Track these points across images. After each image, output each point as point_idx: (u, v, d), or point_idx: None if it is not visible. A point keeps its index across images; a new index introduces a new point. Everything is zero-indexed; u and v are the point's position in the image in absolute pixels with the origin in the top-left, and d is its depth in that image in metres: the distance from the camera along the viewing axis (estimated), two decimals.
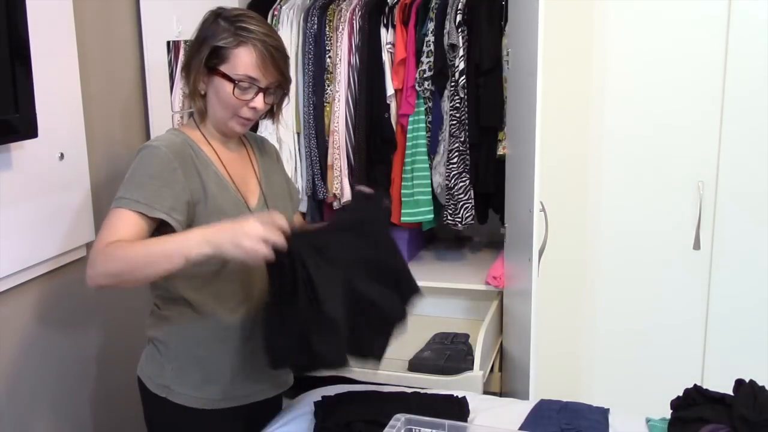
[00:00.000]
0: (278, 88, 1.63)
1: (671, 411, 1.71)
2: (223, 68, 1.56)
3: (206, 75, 1.58)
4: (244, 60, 1.55)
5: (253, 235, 1.36)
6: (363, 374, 2.22)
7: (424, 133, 2.58)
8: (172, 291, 1.61)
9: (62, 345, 1.90)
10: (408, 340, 2.29)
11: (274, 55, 1.57)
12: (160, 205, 1.49)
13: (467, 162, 2.54)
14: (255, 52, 1.55)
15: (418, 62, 2.55)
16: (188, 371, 1.62)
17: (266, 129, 2.72)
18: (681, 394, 1.73)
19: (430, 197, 2.60)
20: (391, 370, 2.24)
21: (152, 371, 1.65)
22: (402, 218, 2.62)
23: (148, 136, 2.18)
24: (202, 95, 1.61)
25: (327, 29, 2.62)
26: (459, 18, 2.48)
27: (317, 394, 1.87)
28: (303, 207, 2.76)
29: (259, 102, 1.59)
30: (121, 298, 2.12)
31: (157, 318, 1.66)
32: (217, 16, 1.60)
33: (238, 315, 1.63)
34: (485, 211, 2.69)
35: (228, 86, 1.56)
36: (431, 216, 2.62)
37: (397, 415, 1.47)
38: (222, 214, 1.55)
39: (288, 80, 1.65)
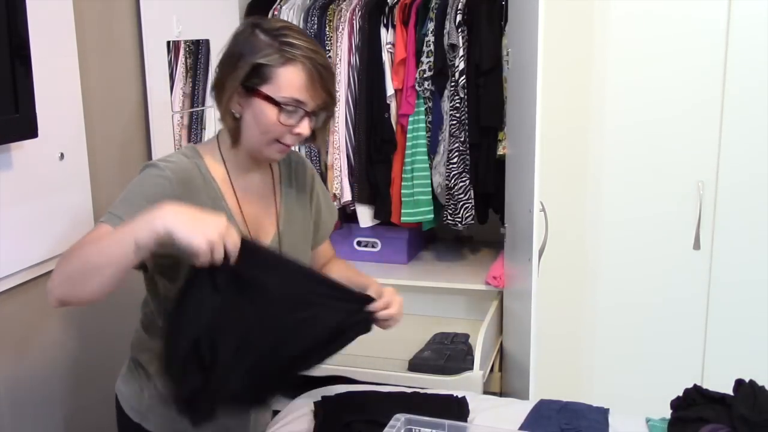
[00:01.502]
0: (323, 111, 1.43)
1: (671, 411, 1.71)
2: (266, 89, 1.36)
3: (243, 95, 1.39)
4: (290, 80, 1.36)
5: (215, 228, 1.19)
6: (363, 374, 2.22)
7: (424, 133, 2.58)
8: (158, 315, 1.50)
9: (62, 345, 1.90)
10: (408, 340, 2.29)
11: (323, 75, 1.38)
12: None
13: (467, 162, 2.54)
14: (303, 72, 1.36)
15: (418, 62, 2.55)
16: (162, 401, 1.49)
17: None
18: (681, 394, 1.73)
19: (430, 197, 2.60)
20: (391, 370, 2.24)
21: (129, 393, 1.55)
22: (402, 218, 2.63)
23: (148, 136, 2.18)
24: (235, 117, 1.42)
25: (327, 29, 2.63)
26: (459, 18, 2.48)
27: (317, 394, 1.87)
28: None
29: (304, 127, 1.40)
30: (121, 299, 2.12)
31: (141, 339, 1.56)
32: (254, 27, 1.40)
33: None
34: (485, 211, 2.69)
35: (271, 110, 1.37)
36: (431, 216, 2.62)
37: (397, 415, 1.47)
38: None
39: (335, 102, 1.46)
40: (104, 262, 1.24)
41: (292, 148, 1.50)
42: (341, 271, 1.66)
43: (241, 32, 1.42)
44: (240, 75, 1.37)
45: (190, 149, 1.48)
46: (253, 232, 1.49)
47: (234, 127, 1.42)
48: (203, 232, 1.18)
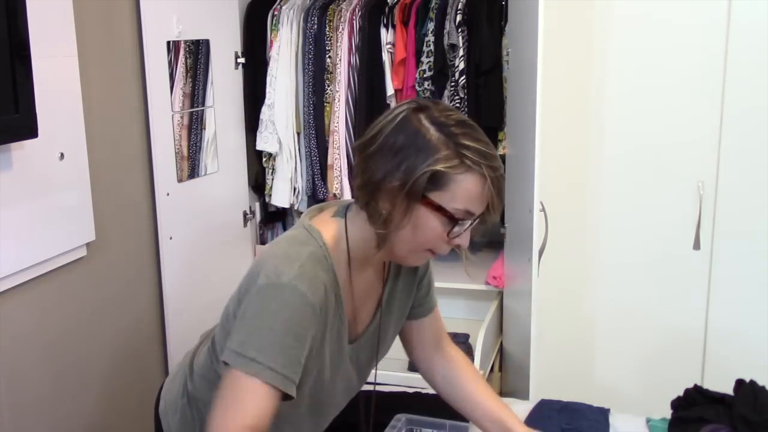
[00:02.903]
0: (478, 220, 1.23)
1: (671, 411, 1.71)
2: (437, 197, 1.17)
3: (404, 198, 1.17)
4: (469, 191, 1.17)
5: None
6: None
7: None
8: None
9: (62, 345, 1.89)
10: None
11: (501, 186, 1.20)
12: (296, 377, 1.17)
13: None
14: (483, 183, 1.17)
15: (418, 62, 2.55)
16: None
17: (266, 129, 2.72)
18: (681, 394, 1.73)
19: None
20: (391, 370, 2.24)
21: (181, 429, 1.42)
22: None
23: (148, 136, 2.18)
24: (383, 217, 1.20)
25: (327, 29, 2.63)
26: (459, 18, 2.48)
27: None
28: (303, 207, 2.77)
29: (466, 239, 1.22)
30: (122, 299, 2.12)
31: (212, 392, 1.24)
32: (419, 112, 1.20)
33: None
34: None
35: (439, 221, 1.19)
36: None
37: (398, 415, 1.47)
38: (330, 350, 1.28)
39: (498, 213, 1.24)
40: None
41: None
42: (481, 391, 1.50)
43: (406, 118, 1.20)
44: (409, 178, 1.16)
45: (314, 243, 1.24)
46: (350, 322, 1.34)
47: (383, 230, 1.21)
48: None
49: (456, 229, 1.20)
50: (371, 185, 1.20)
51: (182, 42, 2.29)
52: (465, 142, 1.18)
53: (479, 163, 1.17)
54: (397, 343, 1.59)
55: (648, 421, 1.72)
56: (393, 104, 2.61)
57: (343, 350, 1.32)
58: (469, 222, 1.21)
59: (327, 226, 1.28)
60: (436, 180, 1.16)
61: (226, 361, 1.17)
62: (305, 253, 1.20)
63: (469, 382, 1.51)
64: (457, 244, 1.23)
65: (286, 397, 1.17)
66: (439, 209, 1.18)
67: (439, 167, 1.15)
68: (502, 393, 2.43)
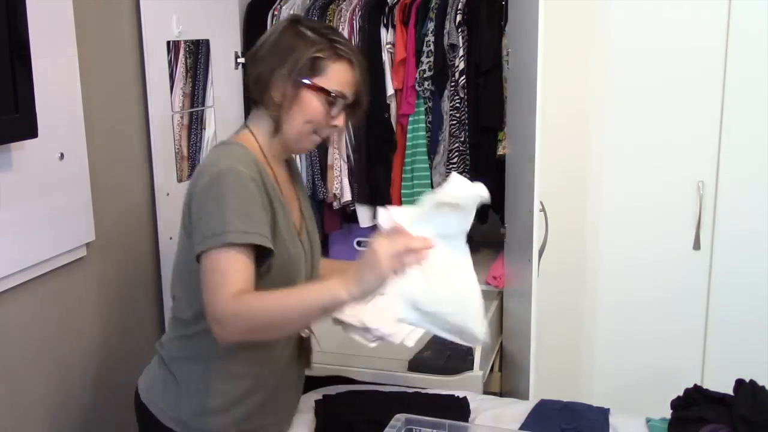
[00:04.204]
0: (351, 108, 1.52)
1: (671, 411, 1.71)
2: (318, 81, 1.45)
3: (291, 86, 1.45)
4: (342, 75, 1.47)
5: (388, 258, 1.27)
6: (363, 374, 2.22)
7: (424, 133, 2.58)
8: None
9: (62, 345, 1.89)
10: None
11: (365, 73, 1.51)
12: (267, 232, 1.38)
13: (467, 162, 2.54)
14: (352, 69, 1.48)
15: (418, 62, 2.55)
16: (209, 408, 1.51)
17: None
18: (681, 394, 1.73)
19: None
20: (391, 370, 2.24)
21: (166, 403, 1.55)
22: None
23: (148, 136, 2.18)
24: (276, 107, 1.47)
25: None
26: (459, 18, 2.48)
27: (318, 393, 1.87)
28: None
29: (341, 120, 1.50)
30: (122, 299, 2.12)
31: (184, 345, 1.53)
32: (296, 24, 1.49)
33: (277, 347, 1.56)
34: (485, 211, 2.69)
35: (320, 100, 1.46)
36: None
37: (398, 415, 1.47)
38: (284, 245, 1.46)
39: (366, 103, 1.55)
40: (290, 328, 1.44)
41: None
42: (331, 264, 1.76)
43: (284, 29, 1.48)
44: (293, 66, 1.44)
45: (238, 146, 1.47)
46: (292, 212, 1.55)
47: (278, 116, 1.47)
48: (382, 272, 1.27)
49: (334, 109, 1.47)
50: (263, 80, 1.47)
51: (182, 42, 2.29)
52: (336, 38, 1.48)
53: (348, 53, 1.47)
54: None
55: (648, 421, 1.72)
56: (393, 104, 2.61)
57: (292, 231, 1.51)
58: (343, 102, 1.48)
59: (237, 137, 1.53)
60: (315, 66, 1.45)
61: (199, 251, 1.36)
62: (232, 152, 1.44)
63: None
64: (334, 125, 1.49)
65: (263, 263, 1.38)
66: (319, 89, 1.45)
67: (318, 55, 1.44)
68: (502, 393, 2.43)
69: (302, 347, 1.64)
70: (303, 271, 1.55)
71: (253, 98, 1.54)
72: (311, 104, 1.46)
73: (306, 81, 1.45)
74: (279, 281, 1.43)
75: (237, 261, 1.34)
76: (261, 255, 1.39)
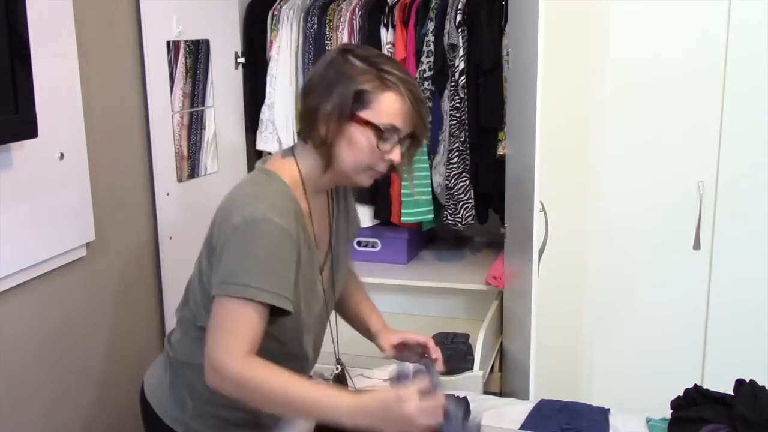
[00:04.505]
0: (410, 139, 1.45)
1: (671, 411, 1.71)
2: (365, 114, 1.37)
3: (338, 121, 1.38)
4: (390, 106, 1.37)
5: (416, 424, 1.21)
6: (363, 374, 2.22)
7: None
8: None
9: (62, 345, 1.90)
10: None
11: (421, 102, 1.41)
12: (288, 294, 1.33)
13: (467, 162, 2.54)
14: (402, 99, 1.38)
15: (418, 62, 2.55)
16: (211, 414, 1.51)
17: (266, 129, 2.72)
18: (681, 394, 1.73)
19: (430, 197, 2.60)
20: None
21: (170, 403, 1.54)
22: (402, 218, 2.62)
23: (148, 136, 2.18)
24: (326, 143, 1.40)
25: (327, 29, 2.62)
26: (459, 18, 2.48)
27: None
28: None
29: (396, 154, 1.41)
30: (122, 299, 2.12)
31: (195, 351, 1.44)
32: (347, 53, 1.41)
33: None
34: (485, 211, 2.69)
35: (369, 135, 1.38)
36: (431, 216, 2.62)
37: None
38: (298, 297, 1.41)
39: (427, 131, 1.47)
40: (279, 412, 1.39)
41: None
42: (358, 297, 1.73)
43: (334, 59, 1.41)
44: (338, 101, 1.37)
45: (275, 179, 1.42)
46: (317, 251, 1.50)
47: (327, 153, 1.41)
48: (409, 422, 1.20)
49: (385, 144, 1.39)
50: (309, 114, 1.41)
51: (182, 42, 2.29)
52: (385, 68, 1.39)
53: (397, 83, 1.38)
54: None
55: (648, 421, 1.72)
56: None
57: (314, 277, 1.48)
58: (396, 136, 1.40)
59: (281, 165, 1.47)
60: (362, 99, 1.37)
61: (216, 294, 1.32)
62: (270, 190, 1.39)
63: (351, 293, 1.73)
64: (390, 159, 1.41)
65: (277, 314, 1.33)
66: (367, 124, 1.37)
67: (364, 87, 1.36)
68: (502, 393, 2.43)
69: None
70: (317, 317, 1.53)
71: (300, 132, 1.49)
72: (360, 140, 1.38)
73: (352, 115, 1.37)
74: (288, 329, 1.43)
75: (253, 318, 1.30)
76: (277, 309, 1.34)
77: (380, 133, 1.38)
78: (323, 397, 1.27)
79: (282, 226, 1.32)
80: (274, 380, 1.28)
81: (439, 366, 1.53)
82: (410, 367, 1.45)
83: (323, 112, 1.38)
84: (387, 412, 1.22)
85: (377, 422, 1.23)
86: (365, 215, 2.69)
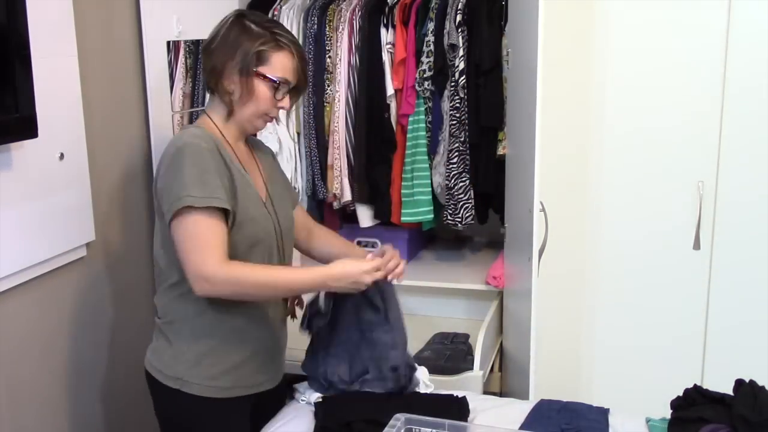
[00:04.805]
0: (294, 91, 1.75)
1: (671, 411, 1.71)
2: (263, 70, 1.65)
3: (240, 76, 1.64)
4: (284, 64, 1.67)
5: (368, 277, 1.65)
6: None
7: (424, 133, 2.58)
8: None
9: (62, 345, 1.90)
10: (408, 340, 2.29)
11: (305, 60, 1.72)
12: (225, 197, 1.57)
13: (467, 162, 2.54)
14: (292, 57, 1.68)
15: (418, 62, 2.54)
16: (201, 361, 1.67)
17: (266, 129, 2.72)
18: (681, 394, 1.73)
19: (430, 197, 2.60)
20: None
21: (163, 364, 1.69)
22: (402, 218, 2.62)
23: (148, 136, 2.18)
24: (229, 95, 1.67)
25: (327, 29, 2.62)
26: (459, 18, 2.48)
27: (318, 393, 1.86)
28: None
29: (286, 102, 1.71)
30: (122, 299, 2.12)
31: (175, 307, 1.69)
32: (241, 18, 1.68)
33: (260, 306, 1.73)
34: (485, 211, 2.69)
35: (266, 87, 1.66)
36: (431, 216, 2.62)
37: (397, 415, 1.47)
38: (246, 208, 1.65)
39: (308, 85, 1.82)
40: (274, 293, 1.70)
41: None
42: (332, 241, 1.99)
43: (232, 24, 1.68)
44: (242, 59, 1.64)
45: (195, 128, 1.68)
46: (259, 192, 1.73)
47: (230, 103, 1.67)
48: (362, 278, 1.65)
49: (279, 93, 1.68)
50: (216, 72, 1.67)
51: (182, 42, 2.29)
52: (278, 31, 1.68)
53: (289, 44, 1.68)
54: None
55: (648, 421, 1.72)
56: (393, 104, 2.61)
57: (255, 195, 1.70)
58: (287, 87, 1.69)
59: (198, 122, 1.74)
60: (261, 57, 1.65)
61: (168, 218, 1.56)
62: (191, 131, 1.65)
63: (323, 234, 2.01)
64: (282, 106, 1.70)
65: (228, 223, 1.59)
66: (265, 78, 1.66)
67: (263, 47, 1.65)
68: (502, 393, 2.43)
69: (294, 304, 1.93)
70: (274, 236, 1.74)
71: (209, 87, 1.72)
72: (260, 92, 1.66)
73: (254, 71, 1.64)
74: (247, 240, 1.64)
75: (209, 224, 1.55)
76: (226, 217, 1.59)
77: (276, 85, 1.67)
78: (301, 274, 1.67)
79: (202, 145, 1.59)
80: (258, 272, 1.61)
81: (400, 269, 1.79)
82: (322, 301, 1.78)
83: (229, 69, 1.65)
84: (348, 273, 1.63)
85: (342, 284, 1.64)
86: (365, 215, 2.69)
